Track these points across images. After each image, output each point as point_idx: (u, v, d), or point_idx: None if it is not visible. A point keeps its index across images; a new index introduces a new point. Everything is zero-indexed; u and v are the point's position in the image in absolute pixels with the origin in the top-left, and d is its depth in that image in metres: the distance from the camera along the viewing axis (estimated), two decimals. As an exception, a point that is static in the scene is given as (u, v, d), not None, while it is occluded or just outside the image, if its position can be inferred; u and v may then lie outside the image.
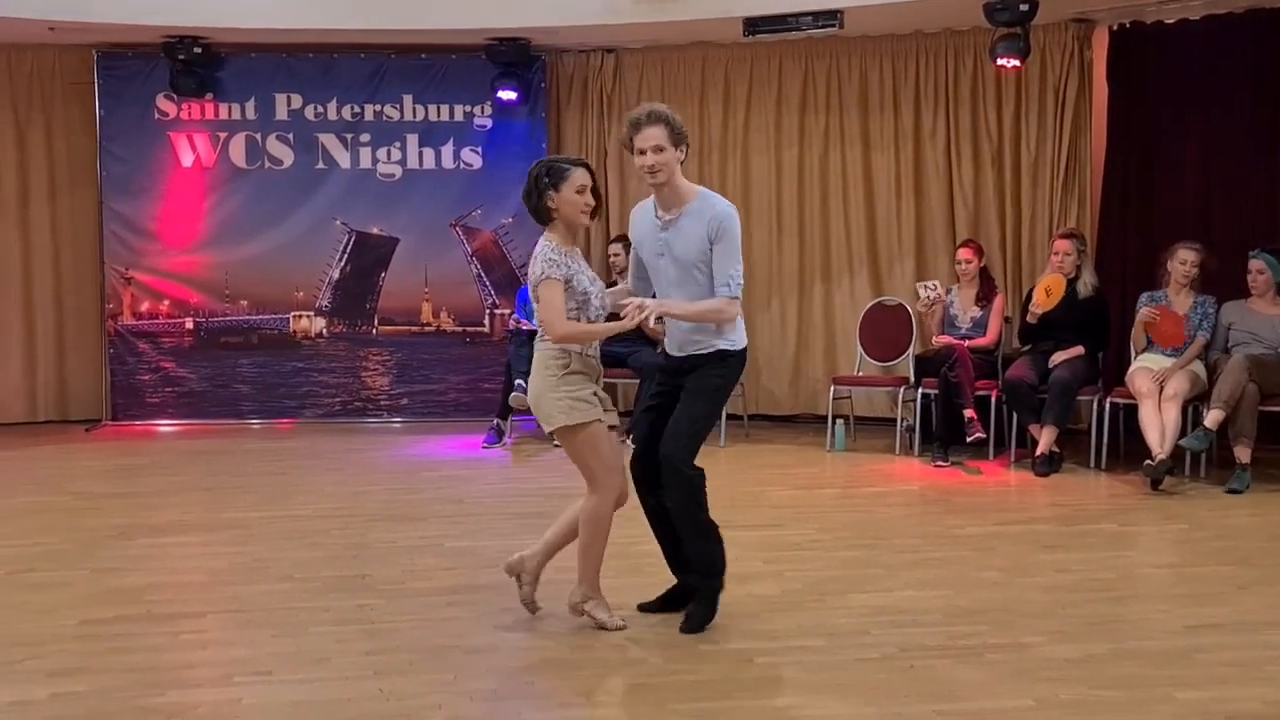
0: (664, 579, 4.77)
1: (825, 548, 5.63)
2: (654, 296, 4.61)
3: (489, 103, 9.45)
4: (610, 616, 4.55)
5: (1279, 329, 7.33)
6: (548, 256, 4.41)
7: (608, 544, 4.55)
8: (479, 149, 9.59)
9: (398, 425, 9.55)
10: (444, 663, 4.22)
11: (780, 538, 5.86)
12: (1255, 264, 7.45)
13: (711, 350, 4.53)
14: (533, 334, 8.62)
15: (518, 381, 8.33)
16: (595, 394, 4.52)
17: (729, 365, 4.57)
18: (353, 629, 4.57)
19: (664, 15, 8.42)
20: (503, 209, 9.54)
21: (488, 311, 9.72)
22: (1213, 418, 6.95)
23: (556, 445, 8.42)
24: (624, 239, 9.05)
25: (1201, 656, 4.21)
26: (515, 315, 8.96)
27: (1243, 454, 6.97)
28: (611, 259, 8.96)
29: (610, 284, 9.00)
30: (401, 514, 6.51)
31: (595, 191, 4.52)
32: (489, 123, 9.57)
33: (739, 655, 4.27)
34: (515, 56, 9.15)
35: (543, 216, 4.50)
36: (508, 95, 9.24)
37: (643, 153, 4.42)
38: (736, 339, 4.57)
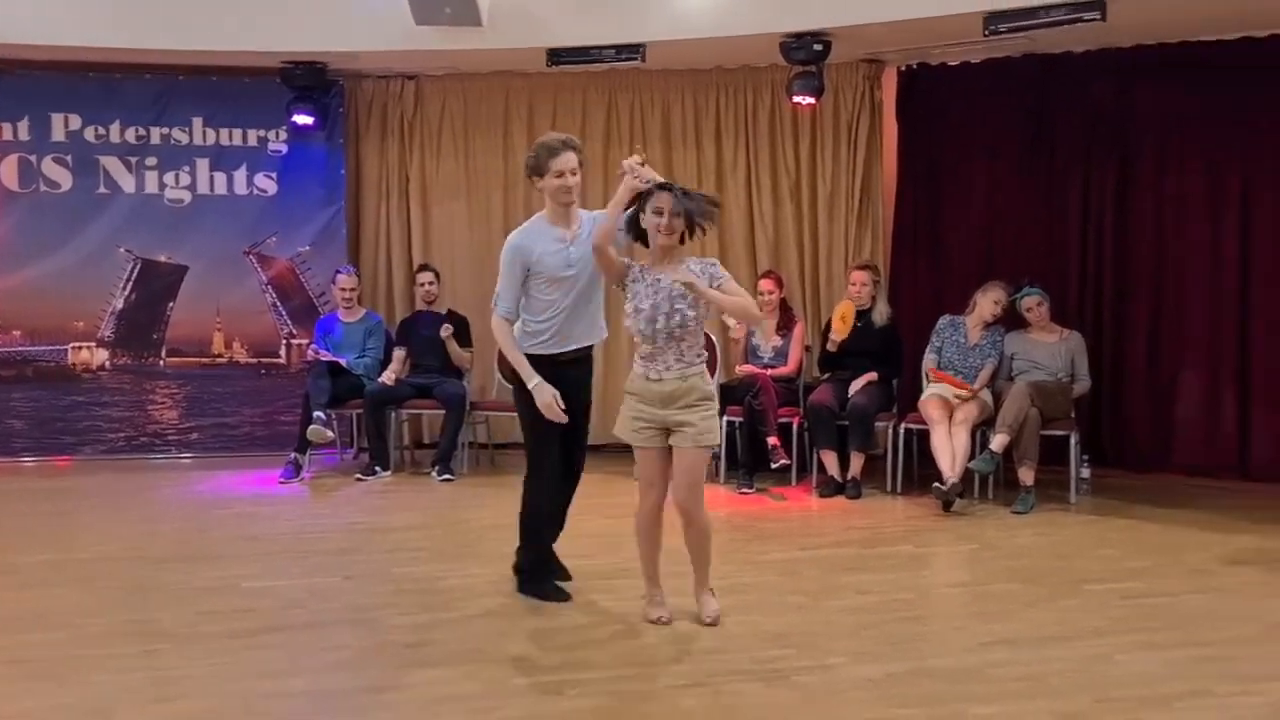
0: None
1: (634, 576, 5.59)
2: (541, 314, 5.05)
3: (284, 127, 9.18)
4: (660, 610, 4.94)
5: (1058, 357, 7.76)
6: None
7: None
8: (274, 174, 9.29)
9: (188, 461, 9.12)
10: (241, 710, 4.01)
11: (590, 568, 5.81)
12: (1032, 299, 7.86)
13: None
14: (331, 365, 8.47)
15: (316, 414, 8.09)
16: (640, 417, 4.76)
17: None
18: (140, 677, 4.31)
19: (466, 43, 8.35)
20: (299, 236, 9.27)
21: (284, 342, 9.40)
22: (998, 441, 7.28)
23: (359, 479, 8.23)
24: (430, 268, 8.90)
25: (994, 672, 4.37)
26: (313, 345, 8.70)
27: (1027, 476, 7.32)
28: (426, 287, 8.79)
29: (415, 314, 8.90)
30: (193, 554, 6.19)
31: None
32: (284, 148, 9.28)
33: (549, 687, 4.20)
34: (311, 80, 8.92)
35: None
36: (304, 120, 8.99)
37: (561, 175, 4.92)
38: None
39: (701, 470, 4.76)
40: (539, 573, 5.38)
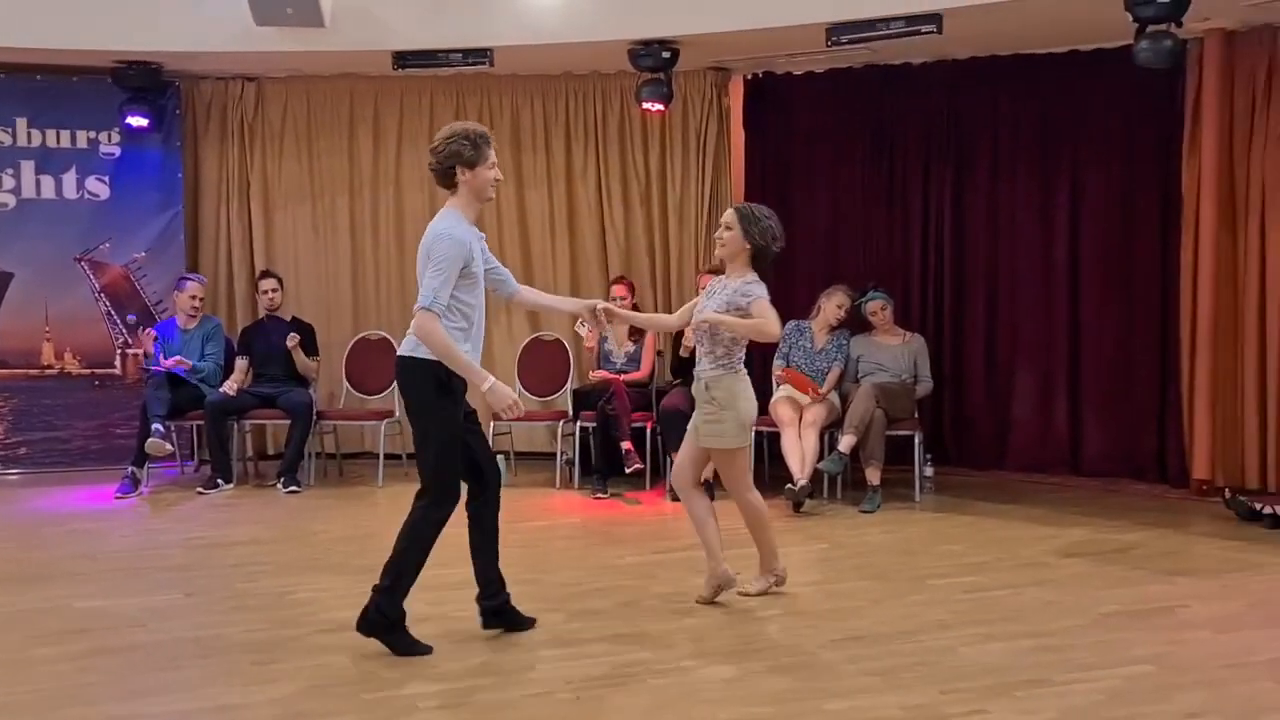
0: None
1: (488, 585, 5.58)
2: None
3: (117, 129, 8.81)
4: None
5: (901, 359, 7.97)
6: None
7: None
8: (106, 178, 8.91)
9: (15, 477, 8.67)
10: (74, 737, 3.84)
11: (443, 577, 5.69)
12: (876, 303, 8.06)
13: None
14: (171, 376, 8.17)
15: (155, 426, 7.80)
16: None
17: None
18: (-36, 707, 4.08)
19: (308, 44, 8.15)
20: (134, 242, 8.91)
21: (119, 352, 9.02)
22: (845, 442, 7.44)
23: (200, 493, 7.94)
24: (273, 274, 8.66)
25: (846, 668, 4.46)
26: (149, 330, 8.36)
27: (874, 476, 7.49)
28: (270, 294, 8.54)
29: (257, 322, 8.65)
30: (23, 574, 5.90)
31: None
32: (117, 150, 8.91)
33: (405, 701, 4.13)
34: (145, 81, 8.58)
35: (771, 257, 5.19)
36: (138, 122, 8.64)
37: (494, 166, 4.70)
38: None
39: (719, 464, 5.33)
40: (398, 624, 4.68)
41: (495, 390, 4.54)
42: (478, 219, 4.81)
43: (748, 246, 5.20)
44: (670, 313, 8.87)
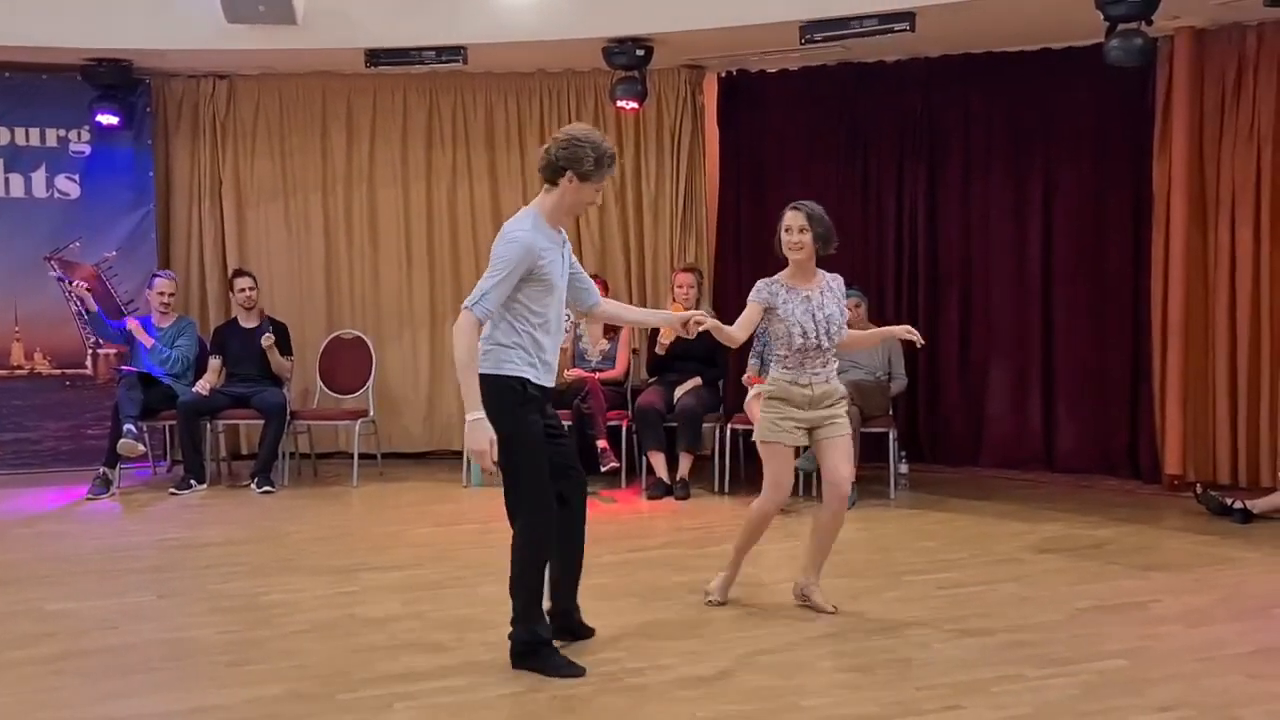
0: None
1: (466, 585, 5.55)
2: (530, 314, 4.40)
3: (87, 127, 8.74)
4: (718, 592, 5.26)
5: (876, 356, 7.99)
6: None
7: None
8: (76, 176, 8.84)
9: (-15, 479, 8.61)
10: (46, 741, 3.80)
11: (419, 577, 5.73)
12: (850, 301, 8.05)
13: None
14: (144, 375, 8.11)
15: (127, 426, 7.75)
16: (789, 418, 5.04)
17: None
18: (-67, 712, 4.04)
19: (279, 42, 8.10)
20: (105, 241, 8.84)
21: (90, 352, 8.94)
22: (821, 440, 7.44)
23: (173, 493, 7.89)
24: (248, 273, 8.61)
25: (823, 665, 4.48)
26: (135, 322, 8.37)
27: (849, 473, 7.50)
28: (246, 292, 8.49)
29: (230, 321, 8.60)
30: (-9, 578, 5.85)
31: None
32: (87, 148, 8.84)
33: (378, 702, 4.11)
34: (116, 79, 8.51)
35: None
36: (108, 120, 8.57)
37: (600, 191, 4.54)
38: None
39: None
40: (542, 646, 4.48)
41: (476, 428, 4.23)
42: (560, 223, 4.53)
43: (816, 248, 5.06)
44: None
